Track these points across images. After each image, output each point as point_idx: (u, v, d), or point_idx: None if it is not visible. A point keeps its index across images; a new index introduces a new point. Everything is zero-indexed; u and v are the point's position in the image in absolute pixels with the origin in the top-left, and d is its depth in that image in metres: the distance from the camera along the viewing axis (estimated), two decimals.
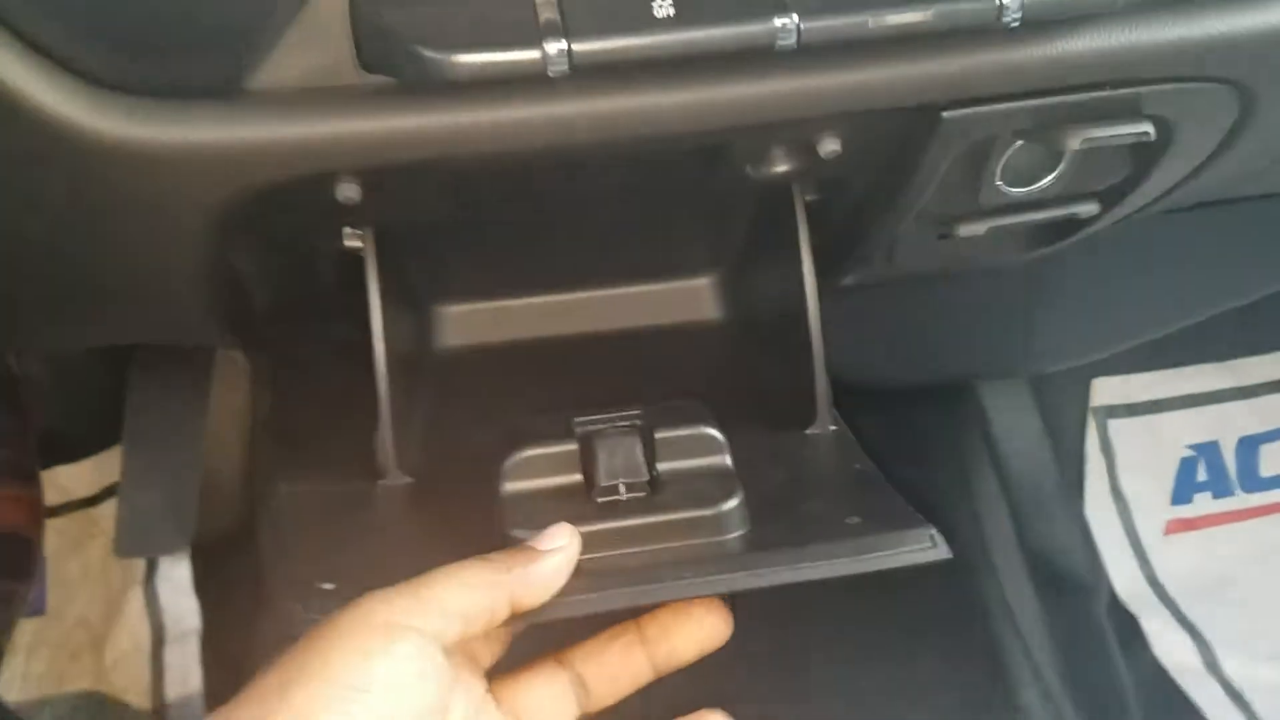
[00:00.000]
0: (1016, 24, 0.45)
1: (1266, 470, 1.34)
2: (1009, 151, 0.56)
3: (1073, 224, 0.65)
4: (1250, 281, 1.27)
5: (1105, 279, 1.18)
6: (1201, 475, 1.33)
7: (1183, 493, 1.32)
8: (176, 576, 1.16)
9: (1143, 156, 0.59)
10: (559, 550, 0.46)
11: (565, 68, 0.42)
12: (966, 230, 0.61)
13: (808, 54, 0.45)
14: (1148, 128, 0.53)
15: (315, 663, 0.39)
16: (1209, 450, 1.34)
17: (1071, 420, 1.30)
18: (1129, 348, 1.29)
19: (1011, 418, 1.23)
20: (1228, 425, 1.35)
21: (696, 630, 0.50)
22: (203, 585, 1.14)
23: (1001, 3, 0.44)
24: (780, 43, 0.44)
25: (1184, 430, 1.34)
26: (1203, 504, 1.32)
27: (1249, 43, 0.51)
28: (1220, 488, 1.32)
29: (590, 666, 0.50)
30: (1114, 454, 1.31)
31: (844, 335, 1.09)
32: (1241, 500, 1.32)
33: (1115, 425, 1.32)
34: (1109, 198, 0.62)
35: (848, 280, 0.70)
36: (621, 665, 0.50)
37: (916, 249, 0.66)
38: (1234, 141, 0.59)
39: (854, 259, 0.67)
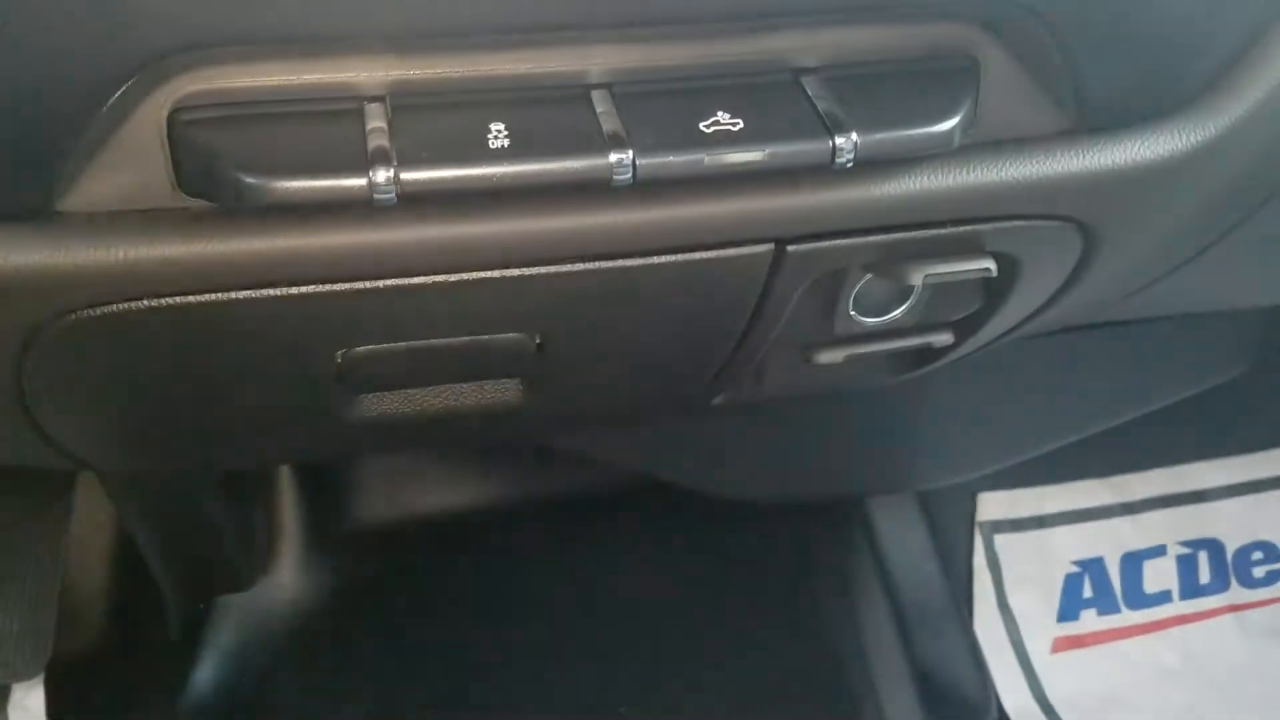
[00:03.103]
0: (850, 164, 0.45)
1: (1150, 586, 1.36)
2: (860, 283, 0.57)
3: (933, 352, 0.66)
4: (1129, 401, 1.30)
5: (990, 396, 1.20)
6: (1087, 591, 1.34)
7: (1070, 609, 1.32)
8: (30, 705, 1.09)
9: (993, 290, 0.60)
10: None
11: (392, 196, 0.41)
12: (825, 358, 0.61)
13: (646, 188, 0.44)
14: (990, 264, 0.53)
15: None
16: (1094, 566, 1.35)
17: (959, 535, 1.31)
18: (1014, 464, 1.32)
19: (899, 533, 1.23)
20: (1112, 541, 1.37)
21: None
22: (57, 714, 1.08)
23: (835, 144, 0.45)
24: (617, 178, 0.43)
25: (1069, 546, 1.35)
26: (1089, 621, 1.32)
27: (1088, 182, 0.52)
28: (1106, 604, 1.33)
29: None
30: (1001, 569, 1.31)
31: (725, 452, 1.11)
32: (1126, 617, 1.34)
33: (1002, 540, 1.33)
34: (963, 328, 0.63)
35: (717, 401, 0.70)
36: None
37: (783, 372, 0.66)
38: (1081, 276, 0.60)
39: (720, 381, 0.66)
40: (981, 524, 1.33)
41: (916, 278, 0.52)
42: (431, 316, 0.49)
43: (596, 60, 0.45)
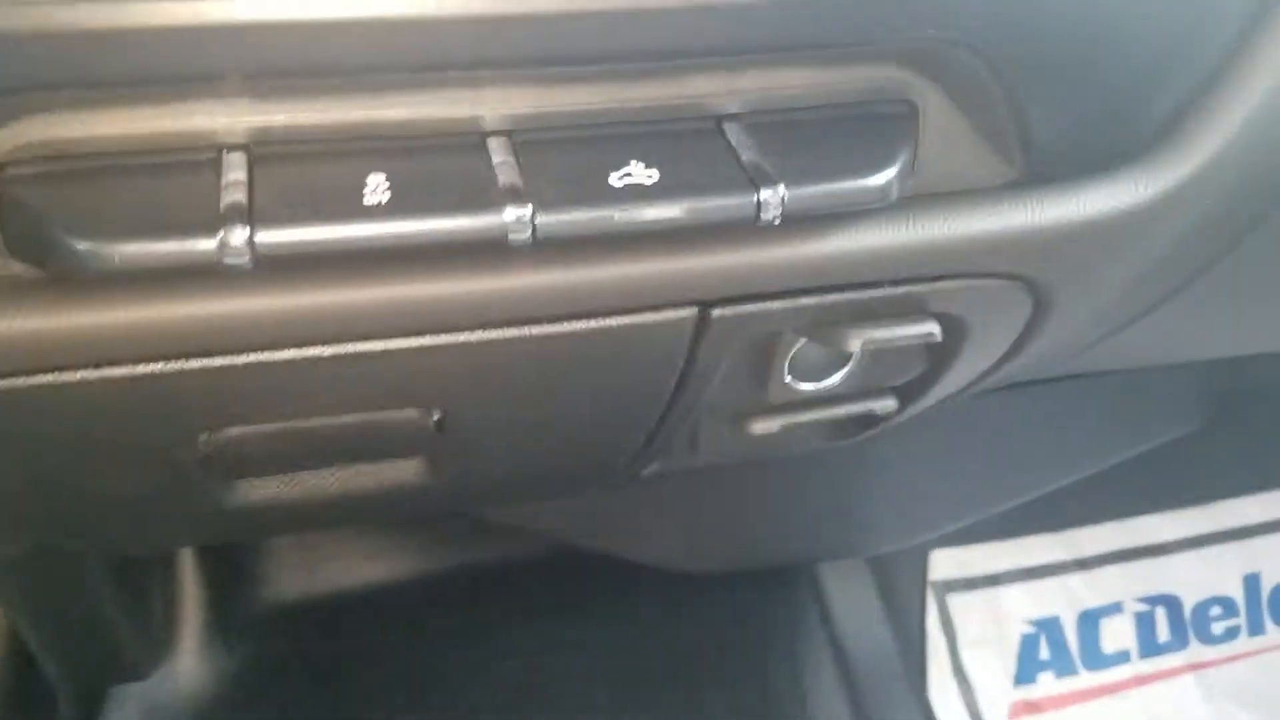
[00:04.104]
0: (778, 221, 0.40)
1: (1108, 645, 1.32)
2: (795, 347, 0.52)
3: (876, 417, 0.61)
4: (1084, 457, 1.27)
5: (943, 455, 1.16)
6: (1044, 653, 1.29)
7: (1026, 672, 1.28)
8: None
9: (938, 354, 0.55)
10: None
11: (246, 260, 0.35)
12: (760, 427, 0.56)
13: (549, 248, 0.39)
14: (933, 328, 0.49)
15: None
16: (1050, 626, 1.31)
17: (911, 596, 1.26)
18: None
19: (850, 598, 1.18)
20: (1067, 599, 1.33)
21: None
22: None
23: (760, 199, 0.40)
24: (513, 237, 0.38)
25: (1024, 605, 1.31)
26: (1047, 683, 1.28)
27: (1037, 238, 0.48)
28: (1063, 666, 1.29)
29: None
30: (955, 631, 1.27)
31: (661, 521, 1.05)
32: (1084, 679, 1.30)
33: (955, 600, 1.28)
34: (907, 393, 0.58)
35: (650, 470, 0.64)
36: None
37: (718, 439, 0.61)
38: (1032, 335, 0.56)
39: (653, 450, 0.61)
40: (934, 583, 1.28)
41: (854, 343, 0.47)
42: (307, 394, 0.43)
43: (493, 104, 0.40)
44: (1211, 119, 0.49)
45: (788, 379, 0.54)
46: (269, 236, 0.35)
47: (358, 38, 0.36)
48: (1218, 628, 1.35)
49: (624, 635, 0.96)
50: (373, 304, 0.40)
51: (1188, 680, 1.31)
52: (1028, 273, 0.50)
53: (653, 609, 0.97)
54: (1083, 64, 0.45)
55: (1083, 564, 1.35)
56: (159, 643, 0.85)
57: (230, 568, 0.90)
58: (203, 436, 0.44)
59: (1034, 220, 0.47)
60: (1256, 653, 1.33)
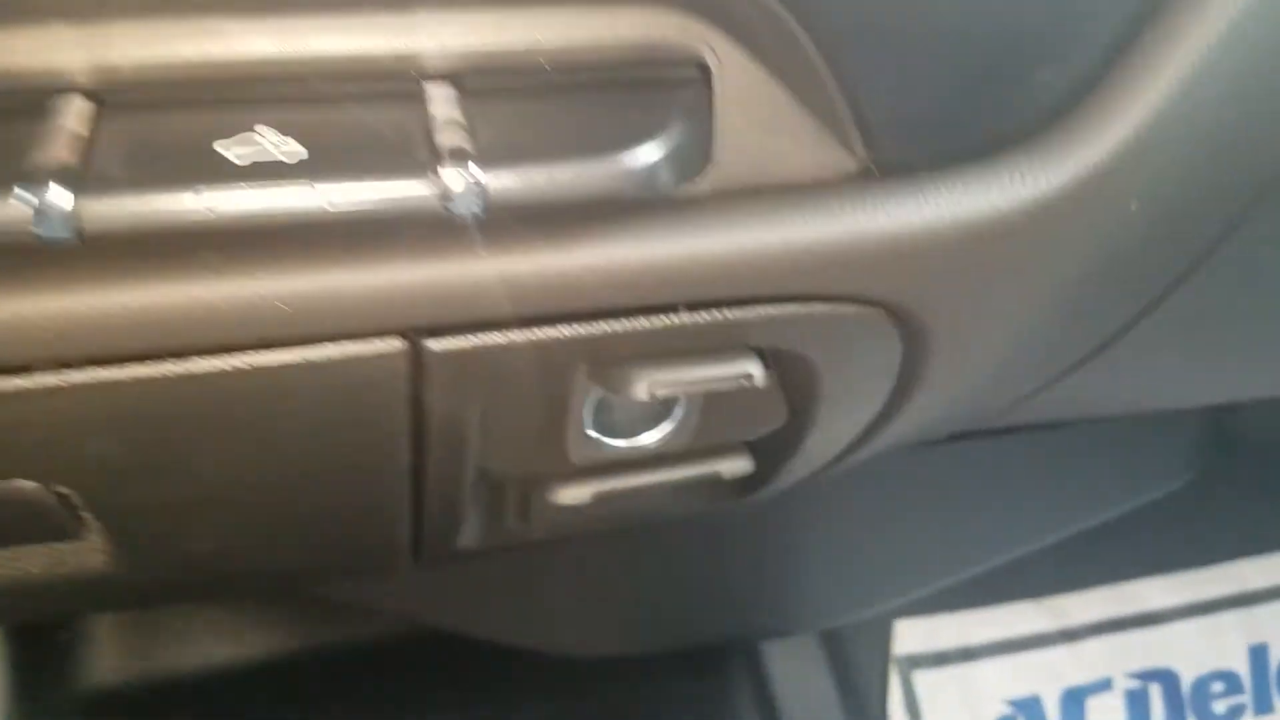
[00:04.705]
0: (478, 213, 0.29)
1: None
2: (593, 393, 0.40)
3: (755, 480, 0.49)
4: (1061, 517, 1.13)
5: (901, 512, 1.03)
6: None
7: None
8: None
9: (793, 403, 0.43)
10: None
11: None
12: (568, 496, 0.44)
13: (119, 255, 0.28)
14: (752, 368, 0.37)
15: None
16: (1030, 707, 1.17)
17: (871, 674, 1.12)
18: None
19: (797, 677, 1.05)
20: (1049, 675, 1.19)
21: None
22: None
23: (445, 183, 0.28)
24: (40, 233, 0.27)
25: (1001, 683, 1.17)
26: None
27: (886, 249, 0.36)
28: None
29: None
30: (920, 714, 1.13)
31: (572, 601, 0.92)
32: None
33: (922, 678, 1.15)
34: (768, 454, 0.46)
35: (463, 544, 0.52)
36: None
37: (541, 508, 0.49)
38: (918, 378, 0.44)
39: (437, 522, 0.49)
40: (898, 659, 1.15)
41: (640, 389, 0.36)
42: None
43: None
44: (1127, 88, 0.37)
45: (591, 433, 0.42)
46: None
47: None
48: (1220, 706, 1.21)
49: None
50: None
51: None
52: (882, 295, 0.38)
53: (556, 698, 0.85)
54: (938, 18, 0.34)
55: (1068, 635, 1.21)
56: None
57: (43, 650, 0.78)
58: None
59: (881, 224, 0.36)
60: None
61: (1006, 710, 1.16)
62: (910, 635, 1.16)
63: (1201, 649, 1.23)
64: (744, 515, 0.83)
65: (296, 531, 0.42)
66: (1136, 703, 1.19)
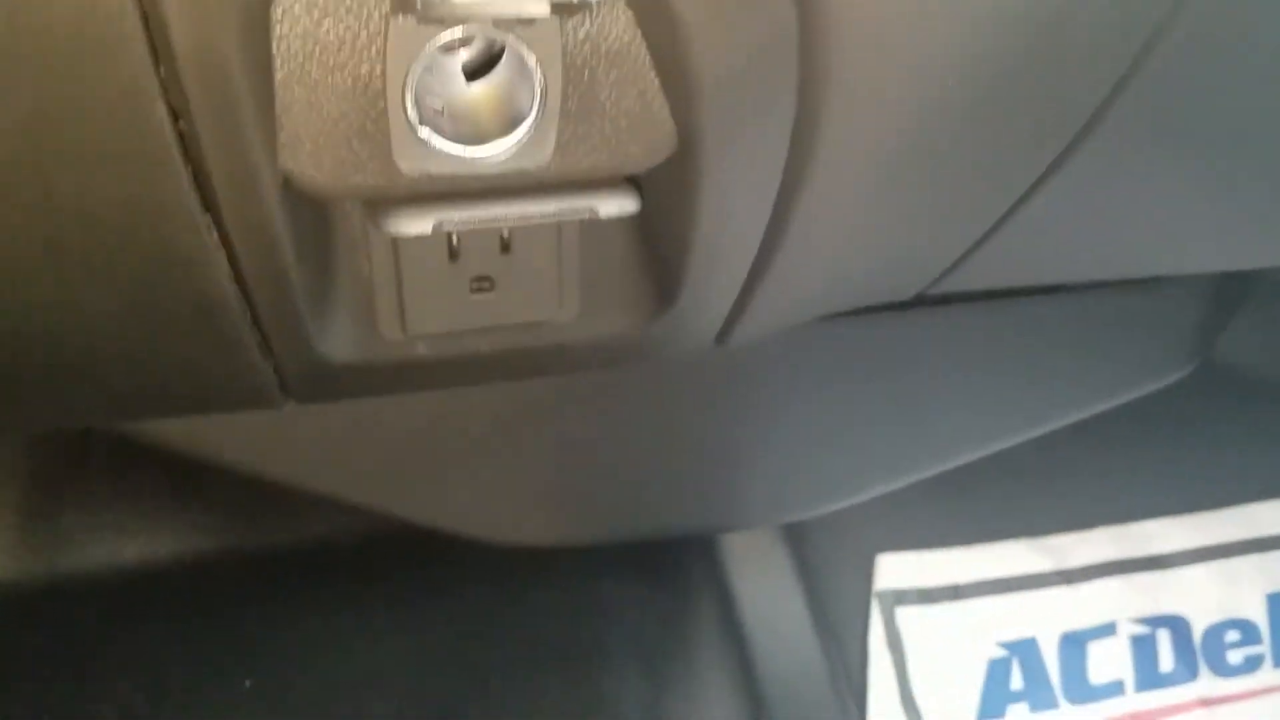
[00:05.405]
0: None
1: (1097, 675, 1.09)
2: (419, 62, 0.32)
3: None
4: (1047, 406, 1.03)
5: (861, 397, 0.93)
6: (1016, 682, 1.07)
7: (993, 704, 1.06)
8: None
9: (675, 107, 0.35)
10: None
11: None
12: (404, 225, 0.36)
13: None
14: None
15: None
16: (1025, 649, 1.08)
17: (850, 608, 1.04)
18: (918, 519, 1.05)
19: (764, 603, 0.96)
20: (1048, 617, 1.10)
21: None
22: None
23: None
24: None
25: (993, 623, 1.09)
26: (1019, 718, 1.05)
27: None
28: (1040, 698, 1.07)
29: None
30: (905, 653, 1.05)
31: (513, 488, 0.84)
32: (1067, 715, 1.07)
33: (906, 615, 1.06)
34: (659, 189, 0.38)
35: (332, 352, 0.44)
36: None
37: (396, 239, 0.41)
38: (820, 105, 0.36)
39: (281, 281, 0.41)
40: (881, 594, 1.06)
41: None
42: None
43: None
44: None
45: (423, 132, 0.34)
46: None
47: None
48: (1235, 656, 1.12)
49: (442, 620, 0.76)
50: None
51: (1198, 719, 1.07)
52: None
53: (485, 592, 0.77)
54: None
55: (1068, 576, 1.12)
56: None
57: None
58: None
59: None
60: None
61: (1000, 653, 1.08)
62: (893, 570, 1.07)
63: (1214, 595, 1.14)
64: (696, 397, 0.75)
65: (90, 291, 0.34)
66: (1143, 649, 1.10)
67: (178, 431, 0.64)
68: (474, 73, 0.36)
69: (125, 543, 0.77)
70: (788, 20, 0.33)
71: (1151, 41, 0.38)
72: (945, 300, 0.80)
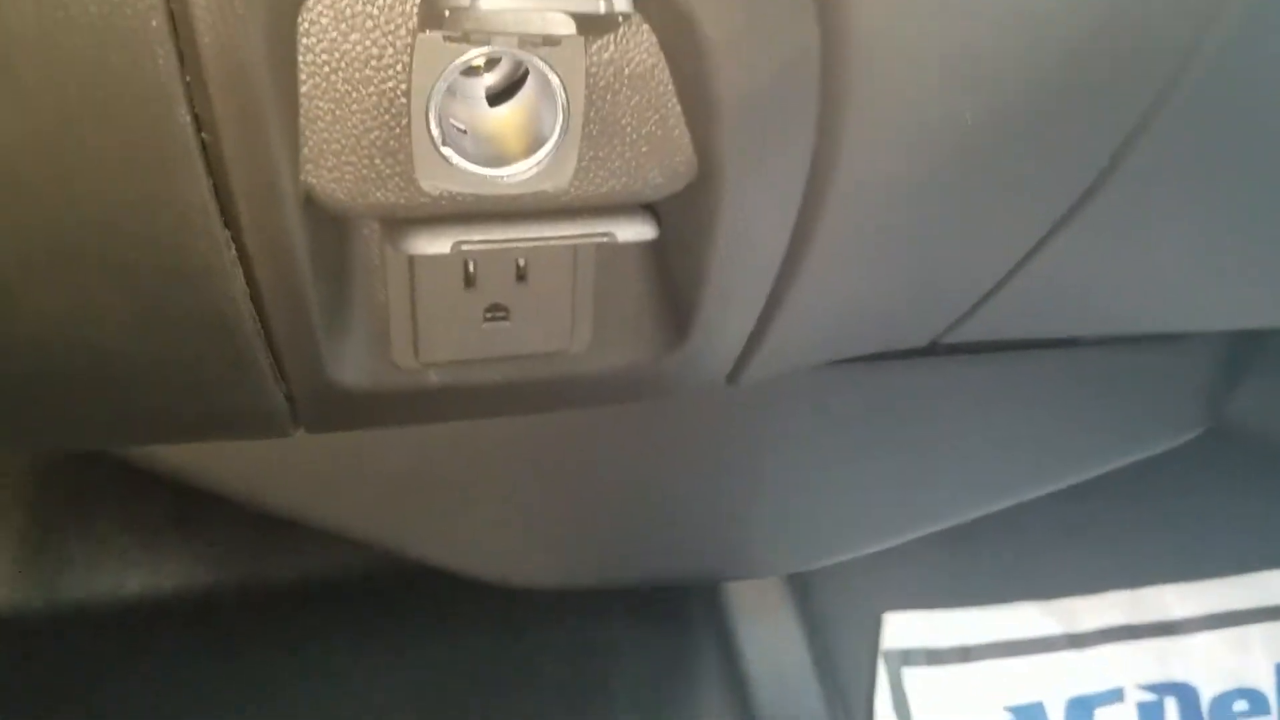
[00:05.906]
0: None
1: None
2: (447, 71, 0.32)
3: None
4: (1057, 464, 1.02)
5: (868, 451, 0.93)
6: None
7: None
8: None
9: (695, 127, 0.35)
10: None
11: None
12: (423, 244, 0.36)
13: None
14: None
15: None
16: (1033, 715, 1.06)
17: (855, 664, 1.02)
18: (922, 581, 1.04)
19: (769, 656, 0.95)
20: (1055, 682, 1.08)
21: None
22: None
23: None
24: None
25: (1001, 687, 1.06)
26: None
27: None
28: None
29: None
30: (910, 714, 1.02)
31: (518, 529, 0.83)
32: None
33: (913, 676, 1.04)
34: (676, 215, 0.38)
35: (343, 377, 0.44)
36: None
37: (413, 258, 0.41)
38: (840, 118, 0.36)
39: (299, 299, 0.41)
40: (888, 653, 1.04)
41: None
42: None
43: None
44: None
45: (445, 151, 0.34)
46: None
47: None
48: None
49: (444, 658, 0.74)
50: None
51: None
52: None
53: (489, 631, 0.76)
54: None
55: (1077, 640, 1.10)
56: None
57: None
58: None
59: None
60: None
61: (1006, 717, 1.05)
62: (901, 629, 1.05)
63: (1223, 663, 1.12)
64: (705, 441, 0.75)
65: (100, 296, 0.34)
66: (1150, 717, 1.08)
67: (182, 460, 0.64)
68: (497, 98, 0.36)
69: (128, 573, 0.76)
70: (811, 41, 0.33)
71: (1174, 78, 0.38)
72: (957, 350, 0.80)
